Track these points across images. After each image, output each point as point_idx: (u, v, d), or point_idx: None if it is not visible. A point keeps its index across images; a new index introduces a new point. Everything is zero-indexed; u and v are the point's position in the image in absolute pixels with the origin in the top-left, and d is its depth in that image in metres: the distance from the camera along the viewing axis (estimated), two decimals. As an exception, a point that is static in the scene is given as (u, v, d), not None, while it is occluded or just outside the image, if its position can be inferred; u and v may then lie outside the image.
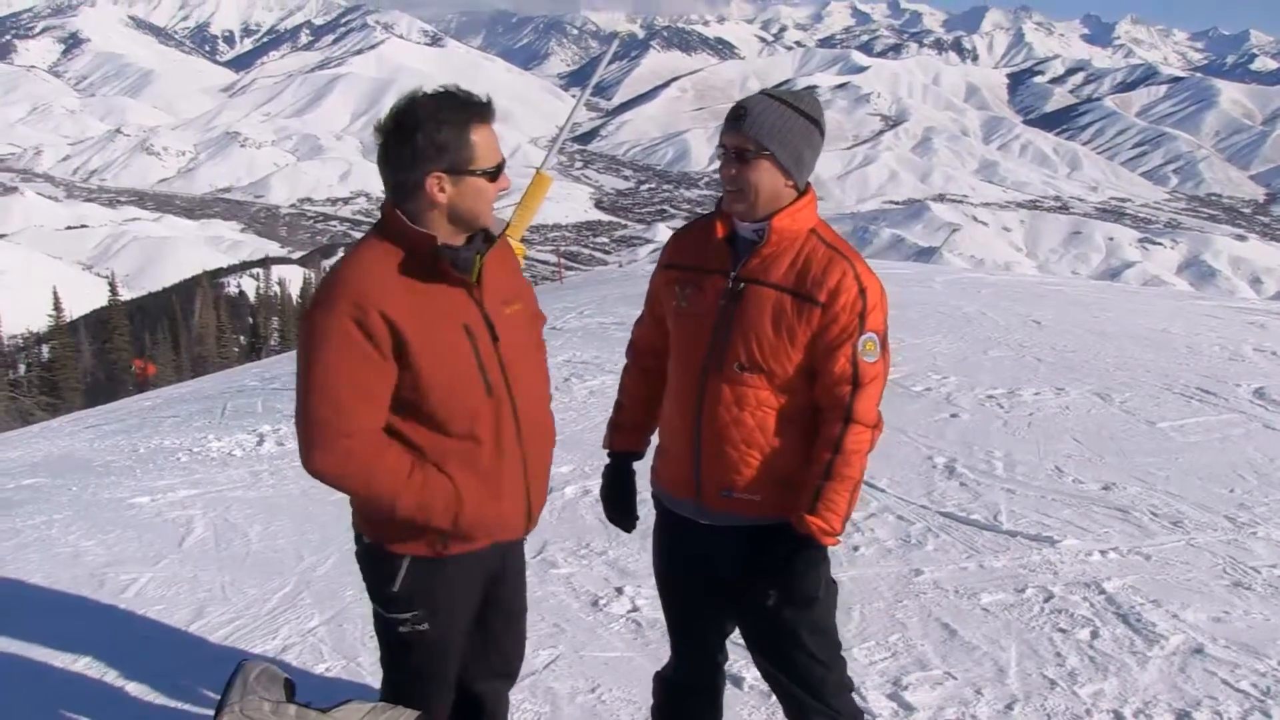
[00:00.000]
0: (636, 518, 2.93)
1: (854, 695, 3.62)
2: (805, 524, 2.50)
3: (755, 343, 2.50)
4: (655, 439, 2.89)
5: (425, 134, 2.31)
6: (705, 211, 2.75)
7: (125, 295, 69.12)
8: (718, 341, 2.55)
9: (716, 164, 2.59)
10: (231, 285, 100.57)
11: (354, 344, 2.30)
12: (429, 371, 2.36)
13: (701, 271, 2.61)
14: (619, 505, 2.93)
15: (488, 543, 2.55)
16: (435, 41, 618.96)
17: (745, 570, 2.59)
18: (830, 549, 2.56)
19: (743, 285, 2.54)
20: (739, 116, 2.48)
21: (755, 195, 2.49)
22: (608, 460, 2.96)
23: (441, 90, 2.38)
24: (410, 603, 2.50)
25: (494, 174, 2.40)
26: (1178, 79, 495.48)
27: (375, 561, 2.52)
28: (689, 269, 2.65)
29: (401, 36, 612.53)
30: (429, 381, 2.37)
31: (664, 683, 2.95)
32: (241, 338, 56.99)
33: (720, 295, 2.56)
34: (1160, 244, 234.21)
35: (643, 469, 2.91)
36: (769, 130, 2.46)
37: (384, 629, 2.58)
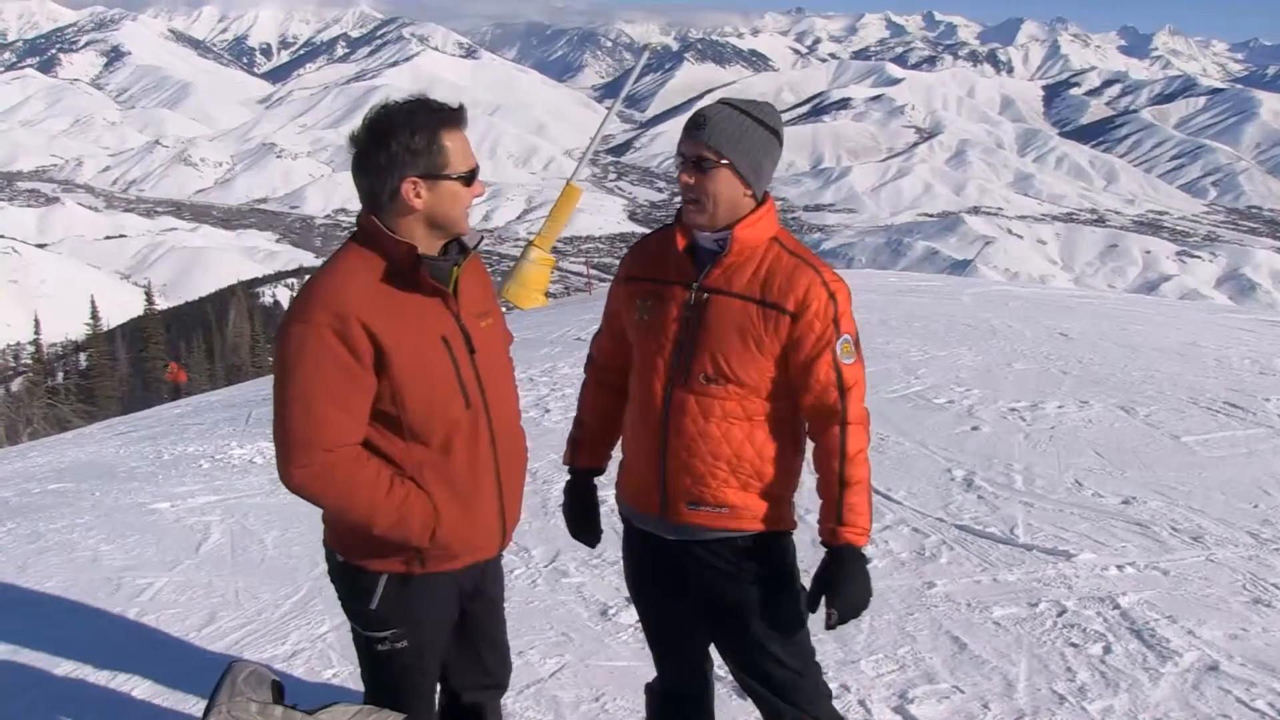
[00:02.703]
0: (600, 533, 2.93)
1: (861, 706, 3.62)
2: (840, 537, 2.53)
3: (721, 353, 2.50)
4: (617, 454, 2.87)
5: (400, 140, 2.32)
6: None
7: (161, 304, 69.99)
8: (682, 353, 2.54)
9: None
10: (266, 295, 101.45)
11: (334, 355, 2.29)
12: (408, 383, 2.36)
13: (662, 283, 2.61)
14: (582, 522, 2.93)
15: (463, 564, 2.54)
16: (470, 54, 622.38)
17: (723, 586, 2.60)
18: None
19: (706, 296, 2.53)
20: (698, 125, 2.48)
21: (714, 205, 2.49)
22: (568, 477, 2.95)
23: (412, 98, 2.40)
24: (388, 621, 2.49)
25: (468, 178, 2.41)
26: (1217, 90, 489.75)
27: (350, 579, 2.51)
28: (649, 281, 2.64)
29: (437, 49, 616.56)
30: (408, 393, 2.36)
31: (653, 694, 2.95)
32: (276, 347, 57.40)
33: (682, 307, 2.55)
34: (1199, 257, 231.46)
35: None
36: (728, 139, 2.46)
37: (363, 645, 2.58)
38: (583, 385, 2.96)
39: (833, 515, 2.54)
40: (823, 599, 2.54)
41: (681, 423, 2.54)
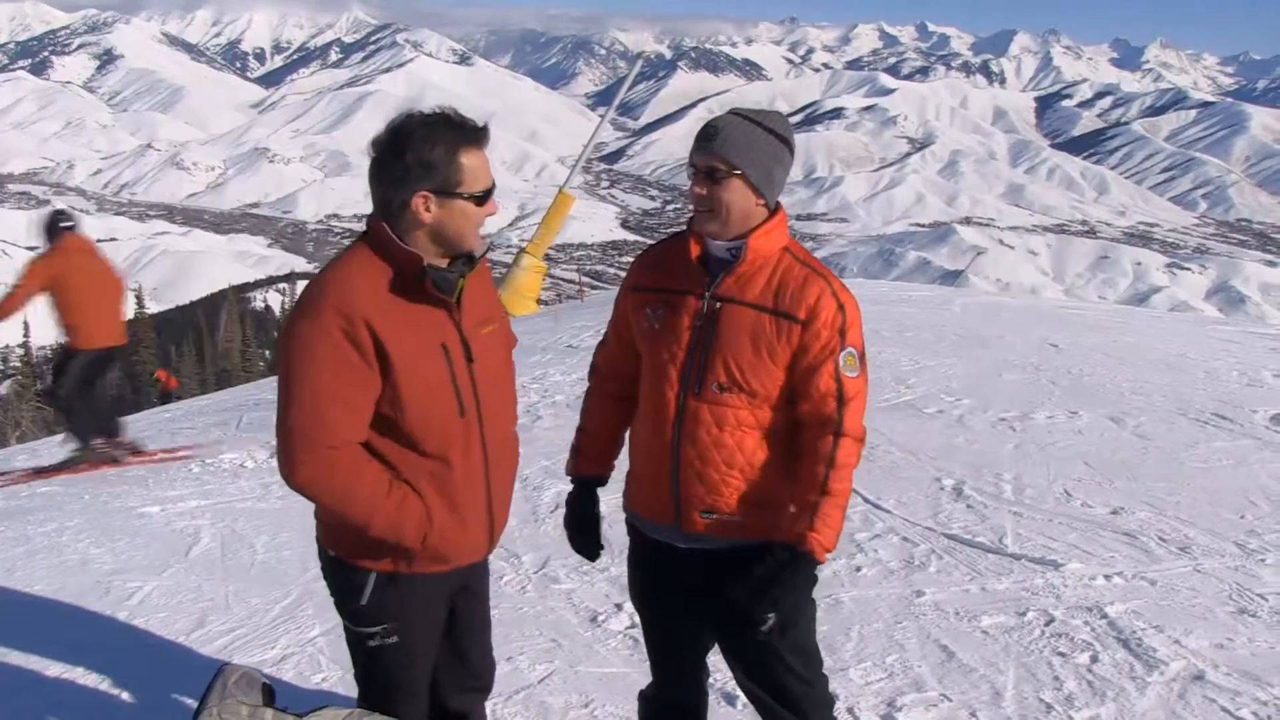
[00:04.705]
0: (601, 546, 2.90)
1: (849, 714, 3.63)
2: (807, 542, 2.48)
3: (735, 362, 2.50)
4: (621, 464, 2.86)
5: (415, 153, 2.33)
6: None
7: (152, 308, 69.75)
8: (695, 362, 2.54)
9: None
10: (258, 300, 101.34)
11: (339, 353, 2.30)
12: (407, 387, 2.37)
13: (673, 292, 2.60)
14: (584, 533, 2.89)
15: (450, 567, 2.56)
16: (464, 60, 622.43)
17: (729, 591, 2.58)
18: (833, 569, 2.56)
19: (719, 305, 2.53)
20: (709, 136, 2.48)
21: (727, 214, 2.49)
22: (571, 487, 2.93)
23: (437, 111, 2.39)
24: (378, 616, 2.51)
25: (481, 198, 2.41)
26: (1207, 103, 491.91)
27: (342, 576, 2.53)
28: (659, 290, 2.64)
29: (430, 55, 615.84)
30: (406, 397, 2.38)
31: (648, 702, 2.95)
32: (266, 352, 57.30)
33: (695, 315, 2.55)
34: (1188, 269, 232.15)
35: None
36: (739, 149, 2.46)
37: (354, 642, 2.59)
38: (586, 394, 2.94)
39: (806, 519, 2.48)
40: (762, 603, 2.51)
41: (695, 432, 2.54)
